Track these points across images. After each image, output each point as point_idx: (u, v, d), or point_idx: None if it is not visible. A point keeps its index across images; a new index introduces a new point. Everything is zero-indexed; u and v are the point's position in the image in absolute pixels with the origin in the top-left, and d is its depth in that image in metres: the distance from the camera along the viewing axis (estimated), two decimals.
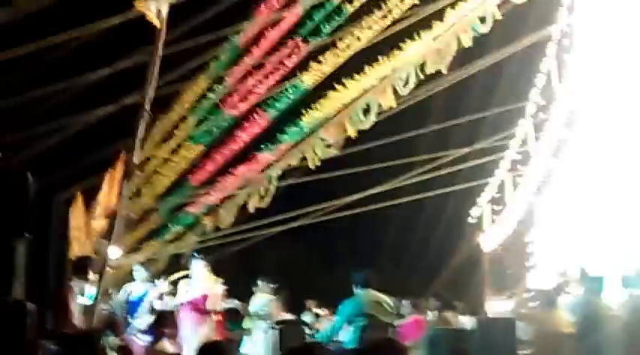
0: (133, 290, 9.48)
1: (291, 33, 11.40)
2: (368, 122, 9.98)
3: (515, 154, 13.26)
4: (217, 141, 11.80)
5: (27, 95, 9.39)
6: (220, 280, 9.59)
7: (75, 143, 10.37)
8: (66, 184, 10.59)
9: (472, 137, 12.33)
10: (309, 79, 10.86)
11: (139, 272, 9.57)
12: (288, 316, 11.12)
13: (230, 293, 9.98)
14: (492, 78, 12.56)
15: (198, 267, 9.37)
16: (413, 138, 11.80)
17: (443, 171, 10.75)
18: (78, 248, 10.70)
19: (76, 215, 11.19)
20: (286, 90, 11.02)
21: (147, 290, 9.37)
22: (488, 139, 10.99)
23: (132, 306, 9.26)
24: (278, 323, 9.72)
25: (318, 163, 10.22)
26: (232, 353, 4.08)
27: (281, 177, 10.48)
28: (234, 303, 9.78)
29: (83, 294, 8.29)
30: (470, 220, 14.69)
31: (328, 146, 10.07)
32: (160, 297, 9.31)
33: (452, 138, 12.61)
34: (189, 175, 11.67)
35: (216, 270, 9.92)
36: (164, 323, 7.45)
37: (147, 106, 8.36)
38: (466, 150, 10.86)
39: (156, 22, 8.98)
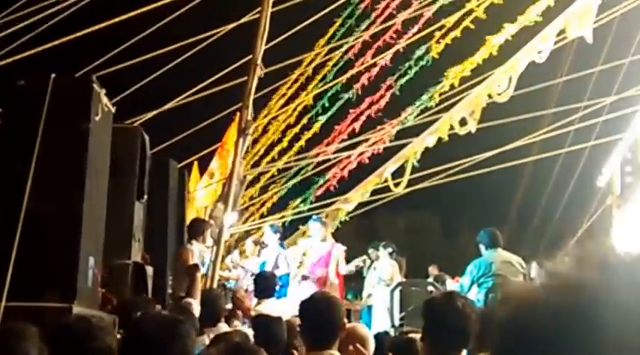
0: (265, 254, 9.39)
1: None
2: (507, 95, 9.23)
3: None
4: (338, 114, 11.47)
5: (141, 61, 9.35)
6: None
7: (193, 107, 10.34)
8: (184, 149, 10.62)
9: (608, 89, 11.21)
10: (434, 49, 10.28)
11: (271, 237, 9.39)
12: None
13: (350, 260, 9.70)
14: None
15: (317, 229, 9.11)
16: (543, 91, 10.95)
17: (575, 126, 9.79)
18: (195, 212, 10.76)
19: (193, 180, 11.27)
20: (412, 60, 10.53)
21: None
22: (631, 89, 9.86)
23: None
24: (399, 284, 9.41)
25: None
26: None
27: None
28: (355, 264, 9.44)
29: (203, 258, 8.22)
30: (598, 183, 13.65)
31: (464, 123, 9.38)
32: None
33: (585, 90, 11.56)
34: (310, 153, 11.35)
35: (336, 237, 9.65)
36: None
37: (258, 61, 8.04)
38: (606, 100, 9.79)
39: None
